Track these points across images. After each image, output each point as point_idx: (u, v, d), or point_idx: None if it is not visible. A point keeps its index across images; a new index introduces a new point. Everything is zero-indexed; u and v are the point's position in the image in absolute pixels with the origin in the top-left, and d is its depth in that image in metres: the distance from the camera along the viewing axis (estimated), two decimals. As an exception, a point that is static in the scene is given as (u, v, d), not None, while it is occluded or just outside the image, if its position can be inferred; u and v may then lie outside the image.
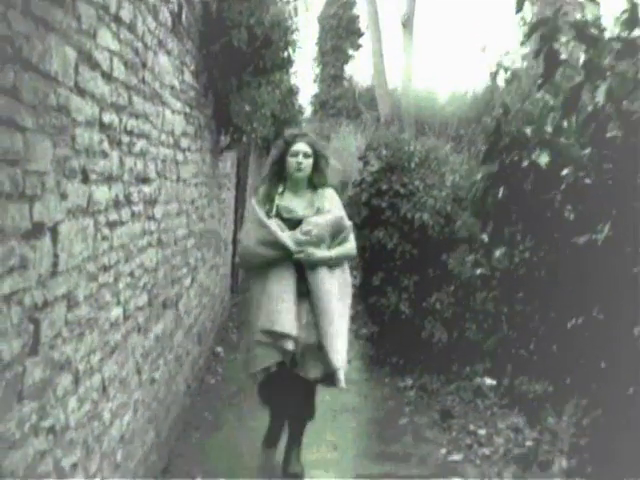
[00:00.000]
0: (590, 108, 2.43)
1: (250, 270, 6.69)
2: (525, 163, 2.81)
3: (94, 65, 3.67)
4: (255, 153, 15.78)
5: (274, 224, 6.14)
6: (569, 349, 3.31)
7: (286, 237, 6.06)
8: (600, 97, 2.32)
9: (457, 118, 20.78)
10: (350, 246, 6.42)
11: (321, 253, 6.10)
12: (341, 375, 6.18)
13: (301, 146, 6.30)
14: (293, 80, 15.33)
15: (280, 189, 6.41)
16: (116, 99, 4.12)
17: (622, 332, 2.82)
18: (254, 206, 6.33)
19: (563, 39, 2.54)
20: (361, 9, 38.30)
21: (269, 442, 6.76)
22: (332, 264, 6.20)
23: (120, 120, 4.23)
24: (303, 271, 6.15)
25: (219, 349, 10.11)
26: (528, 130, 2.78)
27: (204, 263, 8.50)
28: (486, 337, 3.57)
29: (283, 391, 6.30)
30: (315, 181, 6.42)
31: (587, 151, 2.60)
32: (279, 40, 8.00)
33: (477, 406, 8.17)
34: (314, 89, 41.28)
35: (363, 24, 38.13)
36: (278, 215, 6.26)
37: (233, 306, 12.80)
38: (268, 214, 6.24)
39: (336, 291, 6.20)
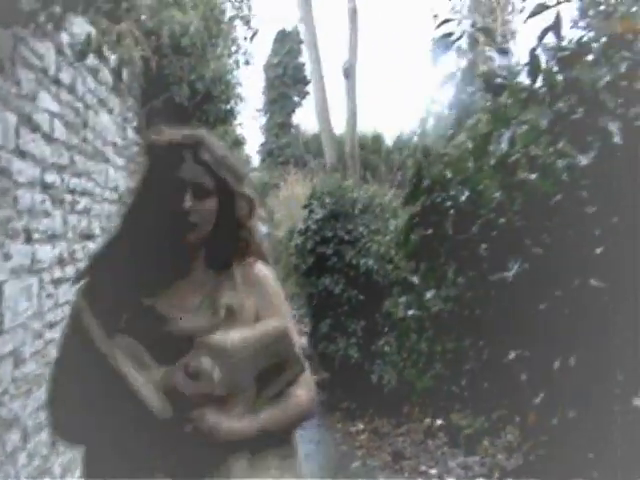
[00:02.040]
0: (498, 154, 2.61)
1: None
2: (447, 204, 2.97)
3: (35, 127, 3.78)
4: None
5: (120, 354, 2.27)
6: (503, 384, 3.44)
7: (149, 387, 2.23)
8: (504, 145, 2.50)
9: (402, 162, 21.04)
10: (301, 399, 2.47)
11: (234, 422, 2.31)
12: None
13: (190, 171, 2.41)
14: (238, 131, 15.48)
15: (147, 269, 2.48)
16: (57, 159, 4.22)
17: (545, 367, 2.96)
18: (80, 309, 2.34)
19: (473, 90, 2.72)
20: (306, 57, 38.70)
21: None
22: (260, 444, 2.37)
23: (62, 179, 4.32)
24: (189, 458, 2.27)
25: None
26: (448, 172, 2.94)
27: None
28: (419, 375, 3.70)
29: None
30: (223, 251, 2.57)
31: (498, 194, 2.76)
32: (221, 94, 8.13)
33: (428, 446, 8.27)
34: (262, 138, 41.46)
35: (309, 72, 38.49)
36: (139, 326, 2.36)
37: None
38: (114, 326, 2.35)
39: None
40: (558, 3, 2.83)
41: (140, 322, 2.29)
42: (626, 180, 2.35)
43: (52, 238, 4.12)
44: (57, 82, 4.19)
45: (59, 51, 4.19)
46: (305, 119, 40.95)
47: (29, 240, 3.69)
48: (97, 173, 5.28)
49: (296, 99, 41.26)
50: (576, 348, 2.67)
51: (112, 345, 2.18)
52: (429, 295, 3.42)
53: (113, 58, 5.64)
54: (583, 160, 2.40)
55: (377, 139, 27.83)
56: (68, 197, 4.48)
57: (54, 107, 4.14)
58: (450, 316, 3.42)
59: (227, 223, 2.43)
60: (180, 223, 2.30)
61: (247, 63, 9.13)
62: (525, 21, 2.77)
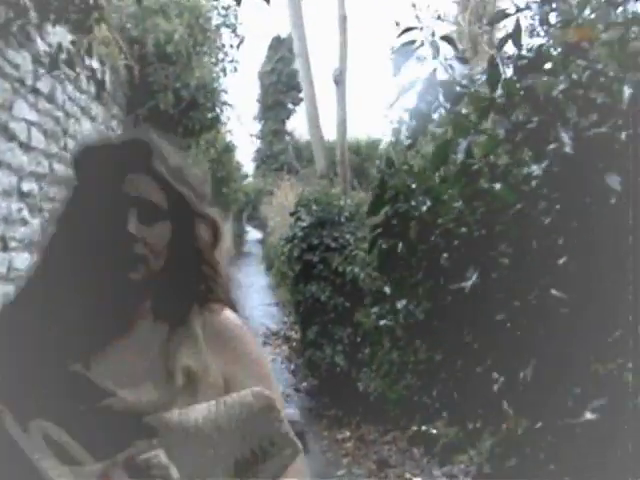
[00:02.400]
0: (458, 163, 2.63)
1: None
2: (410, 214, 2.98)
3: (11, 136, 3.79)
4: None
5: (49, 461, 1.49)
6: (476, 394, 3.46)
7: None
8: (460, 154, 2.52)
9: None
10: None
11: None
12: None
13: (137, 185, 1.72)
14: (229, 138, 15.52)
15: (74, 323, 1.72)
16: (35, 167, 4.23)
17: (511, 377, 2.98)
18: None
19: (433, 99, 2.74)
20: (298, 64, 38.76)
21: None
22: None
23: (40, 188, 4.33)
24: None
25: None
26: (410, 182, 2.95)
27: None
28: (390, 386, 3.71)
29: None
30: (178, 295, 1.81)
31: (459, 203, 2.78)
32: (206, 101, 8.15)
33: (413, 454, 8.26)
34: (257, 145, 41.53)
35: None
36: (64, 403, 1.59)
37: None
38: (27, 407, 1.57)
39: None
40: (518, 11, 2.86)
41: (65, 397, 1.58)
42: (578, 190, 2.37)
43: (29, 246, 4.12)
44: (35, 91, 4.20)
45: (36, 60, 4.21)
46: (299, 126, 40.89)
47: (5, 248, 3.70)
48: (78, 181, 5.28)
49: (290, 106, 41.40)
50: (535, 358, 2.68)
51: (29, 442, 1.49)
52: (399, 305, 3.43)
53: (96, 66, 5.67)
54: (536, 170, 2.42)
55: (371, 145, 27.83)
56: (47, 205, 4.48)
57: (32, 116, 4.15)
58: (420, 326, 3.43)
59: (184, 256, 1.77)
60: (121, 256, 1.65)
61: (235, 70, 9.15)
62: (484, 27, 2.80)
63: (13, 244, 3.82)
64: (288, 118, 41.74)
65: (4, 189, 3.69)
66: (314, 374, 10.32)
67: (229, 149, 16.13)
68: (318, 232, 9.80)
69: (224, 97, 8.78)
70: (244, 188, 20.11)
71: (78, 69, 5.17)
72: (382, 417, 9.11)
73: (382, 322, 3.61)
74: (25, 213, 4.05)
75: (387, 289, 3.55)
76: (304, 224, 9.99)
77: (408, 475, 7.68)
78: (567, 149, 2.25)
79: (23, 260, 4.01)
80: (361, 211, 10.12)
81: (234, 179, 17.39)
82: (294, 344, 12.36)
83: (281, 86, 40.95)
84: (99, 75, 5.89)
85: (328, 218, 9.92)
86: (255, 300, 15.65)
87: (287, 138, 41.21)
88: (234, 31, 8.91)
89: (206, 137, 10.30)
